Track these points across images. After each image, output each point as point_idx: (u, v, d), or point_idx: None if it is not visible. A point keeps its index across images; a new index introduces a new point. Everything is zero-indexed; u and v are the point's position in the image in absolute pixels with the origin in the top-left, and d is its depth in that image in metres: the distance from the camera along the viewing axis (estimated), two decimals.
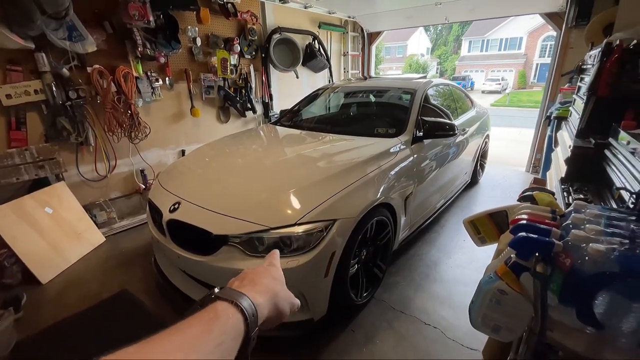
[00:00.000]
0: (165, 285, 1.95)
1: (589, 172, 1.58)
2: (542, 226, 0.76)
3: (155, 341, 0.30)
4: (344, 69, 5.81)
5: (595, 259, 0.72)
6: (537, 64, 26.53)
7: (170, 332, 0.32)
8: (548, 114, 3.56)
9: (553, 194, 1.05)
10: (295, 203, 1.64)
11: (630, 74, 1.46)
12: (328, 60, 5.02)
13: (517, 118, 12.20)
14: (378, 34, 5.97)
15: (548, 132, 3.60)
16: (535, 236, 0.72)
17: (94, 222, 2.88)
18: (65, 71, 2.55)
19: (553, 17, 4.08)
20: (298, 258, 1.49)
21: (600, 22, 2.23)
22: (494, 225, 1.03)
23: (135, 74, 2.97)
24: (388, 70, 29.86)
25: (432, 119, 2.49)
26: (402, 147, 2.24)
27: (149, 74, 3.09)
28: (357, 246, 1.73)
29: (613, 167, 1.37)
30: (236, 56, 3.72)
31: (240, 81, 3.84)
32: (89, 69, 2.68)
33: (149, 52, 2.97)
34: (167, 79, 3.24)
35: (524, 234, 0.73)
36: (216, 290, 0.41)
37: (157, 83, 3.15)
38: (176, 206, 1.77)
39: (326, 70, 5.18)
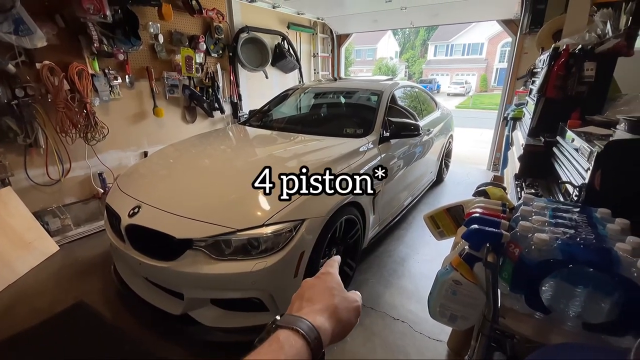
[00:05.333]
0: (127, 294, 1.85)
1: (539, 168, 1.69)
2: (492, 218, 0.80)
3: None
4: (314, 70, 5.83)
5: (540, 247, 0.77)
6: (497, 69, 28.13)
7: None
8: (505, 115, 3.78)
9: (504, 188, 1.12)
10: (264, 203, 1.61)
11: (575, 77, 1.58)
12: (298, 61, 5.02)
13: (479, 119, 12.84)
14: (347, 36, 6.05)
15: (506, 132, 3.82)
16: (485, 228, 0.75)
17: (46, 229, 2.67)
18: (11, 67, 2.34)
19: (509, 24, 4.34)
20: (266, 259, 1.47)
21: (550, 29, 2.40)
22: (451, 220, 1.08)
23: (91, 71, 2.79)
24: (359, 73, 30.36)
25: (398, 119, 2.56)
26: (370, 146, 2.28)
27: (106, 71, 2.92)
28: (326, 245, 1.74)
29: (560, 162, 1.47)
30: (202, 54, 3.61)
31: (207, 80, 3.73)
32: (38, 65, 2.48)
33: (106, 48, 2.80)
34: (127, 77, 3.08)
35: (475, 226, 0.76)
36: (278, 318, 0.41)
37: (115, 81, 2.99)
38: (136, 210, 1.68)
39: (296, 71, 5.17)
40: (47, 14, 2.50)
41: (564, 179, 1.32)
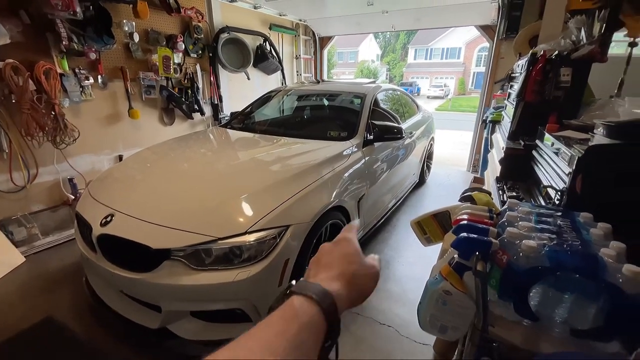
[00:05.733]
0: (100, 308, 1.74)
1: (519, 171, 1.72)
2: (480, 226, 0.79)
3: (239, 342, 0.31)
4: (297, 72, 5.79)
5: (528, 254, 0.76)
6: (474, 72, 29.06)
7: (254, 331, 0.33)
8: (484, 118, 3.88)
9: (490, 193, 1.12)
10: (247, 210, 1.56)
11: (552, 82, 1.62)
12: (280, 62, 4.96)
13: (458, 122, 13.18)
14: (329, 38, 6.05)
15: (485, 135, 3.92)
16: (475, 236, 0.74)
17: (10, 240, 2.49)
18: None
19: (486, 30, 4.47)
20: (249, 268, 1.41)
21: (527, 35, 2.47)
22: (438, 225, 1.07)
23: (59, 71, 2.64)
24: (341, 75, 30.59)
25: (381, 122, 2.57)
26: (354, 149, 2.27)
27: (77, 71, 2.77)
28: (311, 251, 1.70)
29: (540, 166, 1.50)
30: (180, 54, 3.50)
31: (186, 81, 3.62)
32: (0, 64, 2.32)
33: (76, 46, 2.66)
34: (99, 77, 2.94)
35: (464, 234, 0.75)
36: (293, 283, 0.41)
37: (87, 81, 2.84)
38: (109, 219, 1.59)
39: (279, 73, 5.11)
40: (11, 10, 2.34)
41: (544, 182, 1.34)
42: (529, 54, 1.75)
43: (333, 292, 0.40)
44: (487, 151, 3.63)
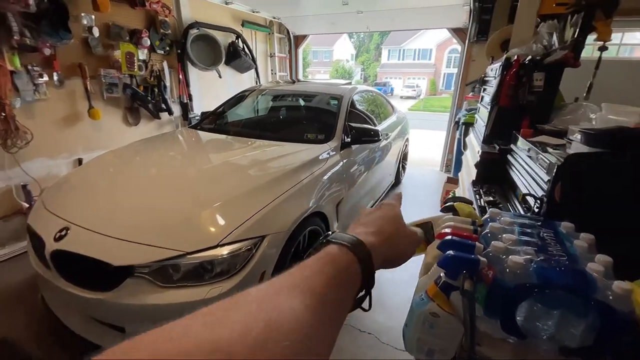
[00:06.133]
0: (59, 327, 1.57)
1: (495, 175, 1.74)
2: (466, 241, 0.76)
3: (277, 278, 0.31)
4: (272, 70, 5.66)
5: (515, 271, 0.74)
6: (444, 73, 30.04)
7: (292, 271, 0.32)
8: (457, 120, 3.96)
9: (471, 203, 1.09)
10: (219, 220, 1.46)
11: (526, 86, 1.64)
12: (254, 60, 4.83)
13: (430, 121, 13.54)
14: (304, 37, 5.97)
15: (457, 136, 4.00)
16: (462, 254, 0.70)
17: None
18: None
19: (458, 33, 4.57)
20: (222, 284, 1.32)
21: (498, 39, 2.52)
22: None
23: (10, 68, 2.38)
24: (317, 74, 30.55)
25: (359, 125, 2.53)
26: (332, 153, 2.21)
27: (29, 67, 2.52)
28: (289, 261, 1.63)
29: (515, 171, 1.52)
30: (145, 51, 3.29)
31: (152, 79, 3.41)
32: None
33: (29, 41, 2.41)
34: (54, 74, 2.69)
35: (451, 252, 0.71)
36: (329, 233, 0.42)
37: (41, 79, 2.59)
38: (63, 233, 1.43)
39: (252, 71, 4.97)
40: None
41: (521, 187, 1.35)
42: (503, 59, 1.77)
43: (368, 244, 0.40)
44: (460, 152, 3.71)
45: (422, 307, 0.71)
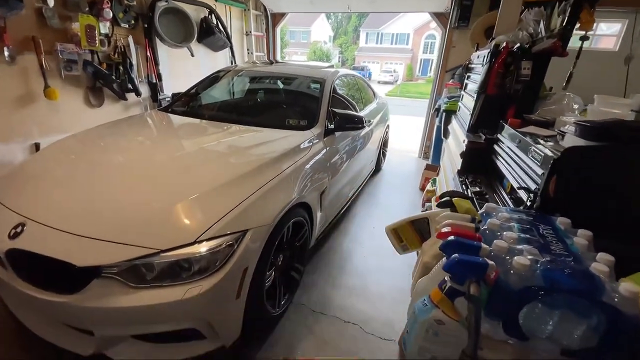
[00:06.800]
0: (23, 330, 1.42)
1: (480, 165, 1.73)
2: (470, 242, 0.72)
3: None
4: (248, 50, 5.38)
5: (520, 272, 0.70)
6: (421, 59, 30.22)
7: None
8: (437, 107, 3.96)
9: (470, 199, 1.06)
10: (196, 214, 1.34)
11: (514, 75, 1.61)
12: (229, 38, 4.54)
13: (407, 107, 13.65)
14: (282, 15, 5.69)
15: (437, 123, 4.02)
16: (469, 258, 0.66)
17: None
18: None
19: (440, 17, 4.51)
20: (201, 283, 1.22)
21: (482, 25, 2.50)
22: (415, 233, 0.98)
23: None
24: (293, 55, 29.75)
25: (342, 111, 2.44)
26: (316, 140, 2.12)
27: None
28: (272, 254, 1.55)
29: (502, 161, 1.51)
30: (108, 24, 2.97)
31: (116, 55, 3.11)
32: None
33: None
34: (5, 48, 2.37)
35: (457, 256, 0.66)
36: None
37: None
38: (19, 229, 1.27)
39: (227, 51, 4.69)
40: None
41: (509, 178, 1.34)
42: (492, 45, 1.73)
43: None
44: (439, 139, 3.73)
45: (426, 314, 0.66)
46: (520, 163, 1.26)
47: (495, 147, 1.64)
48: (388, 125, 4.34)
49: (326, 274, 2.22)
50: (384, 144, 4.26)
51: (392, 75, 26.54)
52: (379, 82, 26.02)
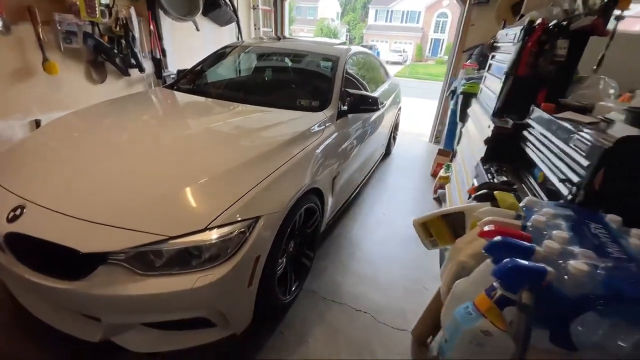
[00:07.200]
0: (27, 317, 1.39)
1: (506, 152, 1.63)
2: (522, 243, 0.63)
3: None
4: (255, 25, 5.16)
5: (577, 278, 0.62)
6: (432, 39, 29.21)
7: None
8: (452, 89, 3.79)
9: (514, 191, 0.97)
10: (206, 199, 1.27)
11: (549, 55, 1.48)
12: (235, 12, 4.33)
13: (417, 89, 13.30)
14: None
15: (451, 107, 3.85)
16: (524, 264, 0.58)
17: None
18: None
19: None
20: (212, 271, 1.17)
21: (510, 0, 2.31)
22: (448, 228, 0.90)
23: None
24: (300, 32, 28.87)
25: (356, 91, 2.33)
26: (328, 123, 2.01)
27: None
28: (284, 242, 1.49)
29: (533, 148, 1.40)
30: None
31: (118, 28, 2.96)
32: None
33: None
34: None
35: (510, 260, 0.58)
36: None
37: None
38: (18, 212, 1.21)
39: (234, 25, 4.49)
40: None
41: (544, 169, 1.24)
42: (526, 22, 1.59)
43: None
44: (453, 124, 3.59)
45: (471, 323, 0.59)
46: (556, 151, 1.15)
47: (525, 133, 1.52)
48: (400, 108, 4.19)
49: (336, 261, 2.18)
50: (395, 127, 4.13)
51: (401, 56, 25.74)
52: (387, 62, 25.24)
